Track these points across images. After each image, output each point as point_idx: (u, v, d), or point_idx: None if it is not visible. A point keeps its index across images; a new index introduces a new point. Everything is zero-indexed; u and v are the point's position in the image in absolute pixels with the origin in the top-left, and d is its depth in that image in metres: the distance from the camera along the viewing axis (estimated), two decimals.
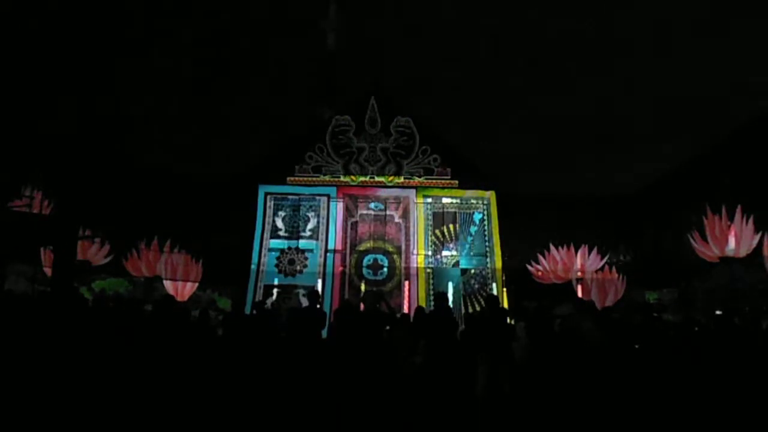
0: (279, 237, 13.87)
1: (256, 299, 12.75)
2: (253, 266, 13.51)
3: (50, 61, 10.97)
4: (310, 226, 13.93)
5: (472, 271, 13.81)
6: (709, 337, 6.47)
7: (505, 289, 13.47)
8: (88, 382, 6.05)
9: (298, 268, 13.63)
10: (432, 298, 13.26)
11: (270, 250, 13.79)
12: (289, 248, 13.75)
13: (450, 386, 6.27)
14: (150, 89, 13.01)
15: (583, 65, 13.53)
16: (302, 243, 13.80)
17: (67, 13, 10.77)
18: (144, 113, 13.46)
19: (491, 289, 13.38)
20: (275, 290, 13.29)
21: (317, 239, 13.84)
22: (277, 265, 13.65)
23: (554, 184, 14.86)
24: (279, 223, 13.94)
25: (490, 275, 13.73)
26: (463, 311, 12.84)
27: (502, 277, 13.60)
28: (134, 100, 12.86)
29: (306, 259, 13.69)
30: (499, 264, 13.72)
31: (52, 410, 5.71)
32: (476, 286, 13.66)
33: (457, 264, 13.83)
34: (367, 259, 13.93)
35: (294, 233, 13.87)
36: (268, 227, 13.91)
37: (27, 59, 10.78)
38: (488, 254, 13.87)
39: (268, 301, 12.84)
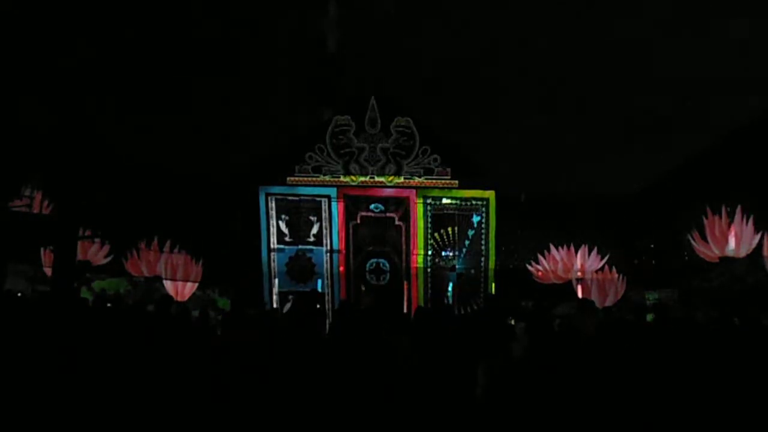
0: (285, 242, 13.84)
1: (274, 305, 12.87)
2: (264, 269, 13.52)
3: (48, 59, 10.97)
4: (314, 230, 13.91)
5: (472, 271, 13.83)
6: (709, 337, 6.48)
7: (501, 291, 13.48)
8: (87, 382, 6.06)
9: (308, 274, 13.65)
10: (429, 299, 13.31)
11: (273, 251, 13.78)
12: (297, 255, 13.74)
13: (448, 386, 6.27)
14: (149, 89, 13.01)
15: (584, 66, 13.53)
16: (308, 248, 13.79)
17: (65, 11, 10.78)
18: (143, 113, 13.46)
19: (487, 291, 13.40)
20: (290, 297, 13.30)
21: (321, 244, 13.83)
22: (287, 272, 13.65)
23: (554, 184, 14.86)
24: (283, 227, 13.91)
25: (484, 277, 13.74)
26: (458, 315, 12.84)
27: (499, 277, 13.61)
28: (133, 100, 12.87)
29: (314, 265, 13.70)
30: (492, 264, 13.73)
31: (51, 410, 5.72)
32: (471, 291, 13.67)
33: (453, 267, 13.83)
34: (370, 264, 13.91)
35: (299, 238, 13.86)
36: (273, 230, 13.89)
37: (25, 56, 10.79)
38: (484, 255, 13.87)
39: (285, 308, 12.92)
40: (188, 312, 8.65)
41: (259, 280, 13.52)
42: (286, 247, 13.79)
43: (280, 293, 13.46)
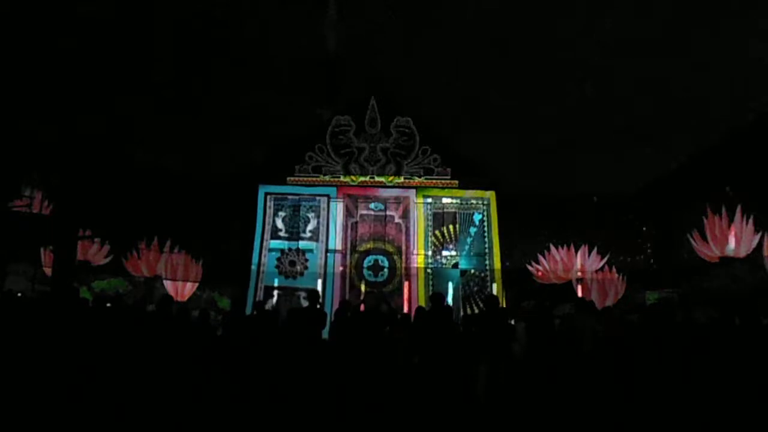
0: (279, 238, 13.86)
1: (257, 300, 12.78)
2: (253, 267, 13.52)
3: (49, 62, 10.97)
4: (310, 227, 13.92)
5: (472, 271, 13.83)
6: (709, 337, 6.47)
7: (504, 290, 13.48)
8: (88, 382, 6.05)
9: (299, 269, 13.64)
10: (429, 299, 13.31)
11: (270, 250, 13.79)
12: (290, 249, 13.75)
13: (449, 386, 6.27)
14: (149, 89, 13.01)
15: (584, 66, 13.53)
16: (302, 244, 13.80)
17: (64, 16, 10.79)
18: (143, 113, 13.46)
19: (490, 290, 13.41)
20: (276, 292, 13.29)
21: (317, 240, 13.84)
22: (277, 267, 13.65)
23: (554, 184, 14.86)
24: (279, 224, 13.93)
25: (488, 276, 13.74)
26: (461, 313, 12.86)
27: (501, 277, 13.62)
28: (133, 100, 12.87)
29: (306, 260, 13.69)
30: (498, 264, 13.74)
31: (52, 410, 5.71)
32: (475, 288, 13.67)
33: (456, 265, 13.83)
34: (368, 260, 13.93)
35: (294, 234, 13.87)
36: (268, 228, 13.90)
37: (26, 61, 10.79)
38: (487, 254, 13.88)
39: (269, 303, 12.85)
40: (188, 312, 8.64)
41: (249, 276, 13.50)
42: (280, 242, 13.82)
43: (265, 288, 13.45)
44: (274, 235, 13.89)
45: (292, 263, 13.69)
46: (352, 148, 14.23)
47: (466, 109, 14.13)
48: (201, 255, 14.88)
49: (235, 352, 6.87)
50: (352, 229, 14.05)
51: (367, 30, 13.50)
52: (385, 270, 13.85)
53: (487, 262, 13.88)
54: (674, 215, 15.33)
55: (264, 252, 13.75)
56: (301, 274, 13.60)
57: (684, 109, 13.80)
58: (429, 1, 13.14)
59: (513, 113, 14.05)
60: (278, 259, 13.74)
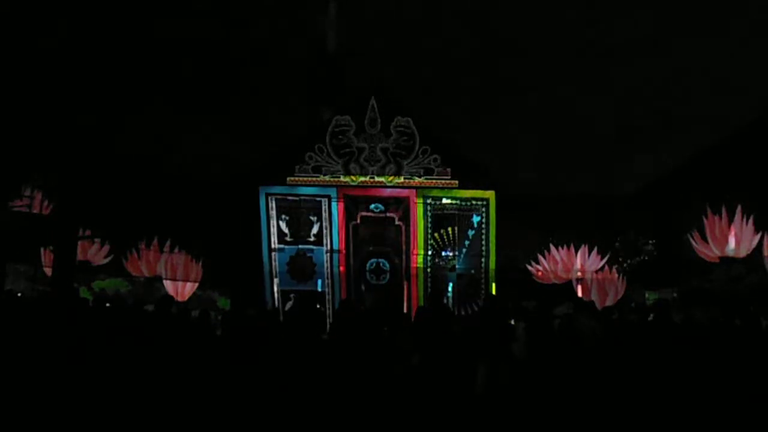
0: (285, 242, 13.87)
1: (275, 304, 12.93)
2: (265, 268, 13.59)
3: (49, 60, 10.97)
4: (314, 230, 13.92)
5: (472, 271, 13.82)
6: (710, 336, 6.47)
7: (500, 290, 13.48)
8: (88, 382, 6.06)
9: (308, 273, 13.70)
10: (428, 299, 13.31)
11: (274, 250, 13.78)
12: (297, 254, 13.78)
13: (448, 386, 6.27)
14: (149, 88, 13.01)
15: (585, 66, 13.53)
16: (308, 247, 13.82)
17: (63, 13, 10.79)
18: (143, 113, 13.46)
19: (486, 291, 13.40)
20: (292, 296, 13.39)
21: (321, 244, 13.86)
22: (288, 272, 13.71)
23: (554, 184, 14.86)
24: (284, 227, 13.93)
25: (483, 278, 13.74)
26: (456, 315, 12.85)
27: (497, 276, 13.61)
28: (133, 99, 12.87)
29: (314, 265, 13.73)
30: (493, 265, 13.73)
31: (52, 410, 5.72)
32: (470, 291, 13.67)
33: (453, 268, 13.82)
34: (370, 264, 13.92)
35: (299, 238, 13.88)
36: (273, 230, 13.90)
37: (27, 59, 10.79)
38: (484, 255, 13.86)
39: (287, 306, 13.06)
40: (188, 312, 8.65)
41: (260, 280, 13.57)
42: (287, 246, 13.82)
43: (281, 291, 13.56)
44: (281, 239, 13.92)
45: (302, 268, 13.75)
46: (352, 148, 14.20)
47: (466, 109, 14.15)
48: (201, 255, 14.88)
49: (234, 351, 6.88)
50: (352, 231, 14.04)
51: (367, 30, 13.52)
52: (387, 275, 13.87)
53: (483, 263, 13.86)
54: (674, 215, 15.33)
55: (274, 255, 13.79)
56: (311, 278, 13.68)
57: (684, 109, 13.82)
58: (430, 1, 13.16)
59: (513, 113, 14.06)
60: (287, 264, 13.79)
